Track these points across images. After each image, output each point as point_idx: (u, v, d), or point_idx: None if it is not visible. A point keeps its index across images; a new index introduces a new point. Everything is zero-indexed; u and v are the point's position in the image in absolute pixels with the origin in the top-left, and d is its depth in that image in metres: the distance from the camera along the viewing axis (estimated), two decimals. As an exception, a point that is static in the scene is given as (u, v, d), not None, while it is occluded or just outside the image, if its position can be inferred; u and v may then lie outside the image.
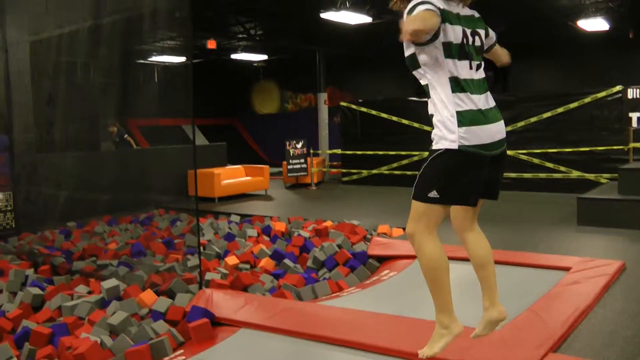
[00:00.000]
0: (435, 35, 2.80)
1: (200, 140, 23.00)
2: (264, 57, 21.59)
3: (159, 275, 6.47)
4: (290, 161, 15.17)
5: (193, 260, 6.93)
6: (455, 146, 2.83)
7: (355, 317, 5.10)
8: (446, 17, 2.83)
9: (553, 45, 18.84)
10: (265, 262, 7.02)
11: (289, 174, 15.26)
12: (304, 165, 15.20)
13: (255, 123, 26.78)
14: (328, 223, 9.00)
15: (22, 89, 10.21)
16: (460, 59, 2.90)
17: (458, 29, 2.89)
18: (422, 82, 3.00)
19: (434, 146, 2.91)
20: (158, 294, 5.83)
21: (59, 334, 4.98)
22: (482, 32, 3.07)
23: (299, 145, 15.14)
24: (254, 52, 20.75)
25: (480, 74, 3.03)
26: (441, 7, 2.81)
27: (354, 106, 15.69)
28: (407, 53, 2.97)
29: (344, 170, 15.76)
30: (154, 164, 12.74)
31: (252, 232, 8.67)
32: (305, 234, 8.26)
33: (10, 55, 9.87)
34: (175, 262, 7.05)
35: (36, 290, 6.15)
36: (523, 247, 7.33)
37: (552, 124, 12.55)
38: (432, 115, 2.96)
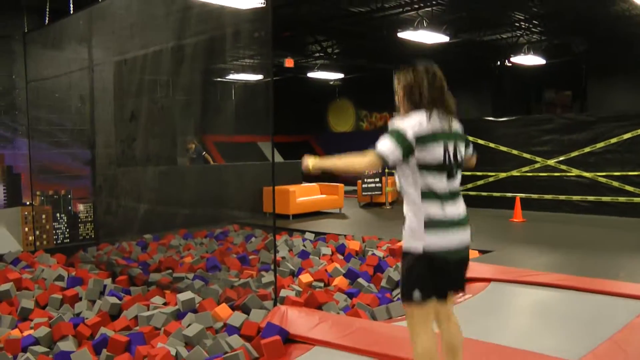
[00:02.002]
0: (405, 158, 3.10)
1: (276, 157, 23.16)
2: (340, 75, 21.66)
3: (233, 290, 6.50)
4: (365, 180, 15.12)
5: (267, 277, 6.95)
6: (420, 250, 3.11)
7: (430, 339, 5.00)
8: (424, 139, 3.08)
9: (634, 64, 18.26)
10: (339, 281, 6.97)
11: (364, 193, 15.20)
12: (378, 185, 15.12)
13: (330, 141, 26.83)
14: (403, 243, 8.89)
15: (106, 106, 10.51)
16: (436, 173, 3.14)
17: (438, 148, 3.12)
18: (398, 183, 3.27)
19: (404, 248, 3.23)
20: (233, 308, 5.86)
21: (135, 343, 5.05)
22: (462, 146, 3.32)
23: (374, 165, 15.06)
24: (330, 70, 20.86)
25: (455, 183, 3.25)
26: (420, 131, 3.08)
27: (430, 126, 15.52)
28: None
29: (419, 190, 15.58)
30: (230, 180, 12.90)
31: (326, 250, 8.63)
32: (380, 253, 8.18)
33: (96, 75, 10.16)
34: (249, 277, 7.07)
35: (114, 300, 6.28)
36: (603, 274, 7.06)
37: (633, 145, 12.05)
38: (405, 216, 3.24)
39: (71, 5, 9.40)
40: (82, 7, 9.09)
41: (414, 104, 3.21)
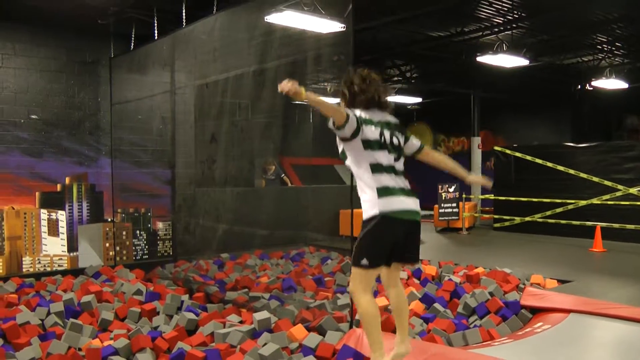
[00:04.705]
0: (355, 134, 3.84)
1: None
2: (418, 99, 21.55)
3: (309, 311, 6.51)
4: (442, 205, 14.97)
5: (343, 299, 6.94)
6: (376, 212, 3.85)
7: (509, 367, 4.89)
8: (365, 122, 3.91)
9: None
10: (415, 305, 6.90)
11: (440, 218, 15.05)
12: (455, 210, 14.95)
13: (406, 165, 26.69)
14: (480, 269, 8.76)
15: (186, 128, 10.76)
16: (378, 150, 3.93)
17: (376, 130, 3.94)
18: (352, 170, 4.04)
19: (363, 220, 3.95)
20: (308, 329, 5.87)
21: (211, 359, 5.10)
22: (399, 134, 4.14)
23: (451, 190, 14.93)
24: (408, 94, 20.77)
25: (400, 165, 4.10)
26: (362, 116, 3.92)
27: (508, 151, 15.31)
28: (339, 149, 4.04)
29: (496, 216, 15.36)
30: (306, 202, 12.96)
31: (402, 274, 8.55)
32: (456, 279, 8.07)
33: (178, 98, 10.43)
34: (325, 299, 7.08)
35: (191, 315, 6.39)
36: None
37: None
38: (360, 197, 4.01)
39: (156, 32, 9.68)
40: (166, 32, 9.36)
41: (356, 103, 4.04)
